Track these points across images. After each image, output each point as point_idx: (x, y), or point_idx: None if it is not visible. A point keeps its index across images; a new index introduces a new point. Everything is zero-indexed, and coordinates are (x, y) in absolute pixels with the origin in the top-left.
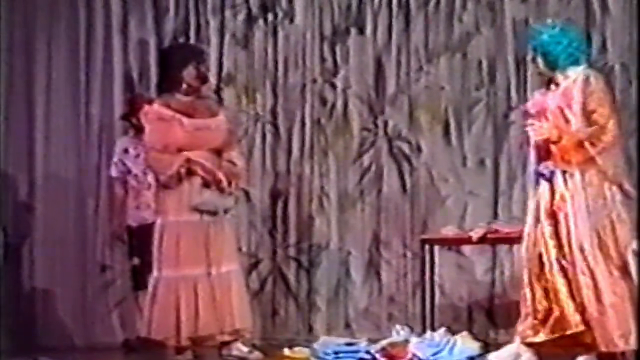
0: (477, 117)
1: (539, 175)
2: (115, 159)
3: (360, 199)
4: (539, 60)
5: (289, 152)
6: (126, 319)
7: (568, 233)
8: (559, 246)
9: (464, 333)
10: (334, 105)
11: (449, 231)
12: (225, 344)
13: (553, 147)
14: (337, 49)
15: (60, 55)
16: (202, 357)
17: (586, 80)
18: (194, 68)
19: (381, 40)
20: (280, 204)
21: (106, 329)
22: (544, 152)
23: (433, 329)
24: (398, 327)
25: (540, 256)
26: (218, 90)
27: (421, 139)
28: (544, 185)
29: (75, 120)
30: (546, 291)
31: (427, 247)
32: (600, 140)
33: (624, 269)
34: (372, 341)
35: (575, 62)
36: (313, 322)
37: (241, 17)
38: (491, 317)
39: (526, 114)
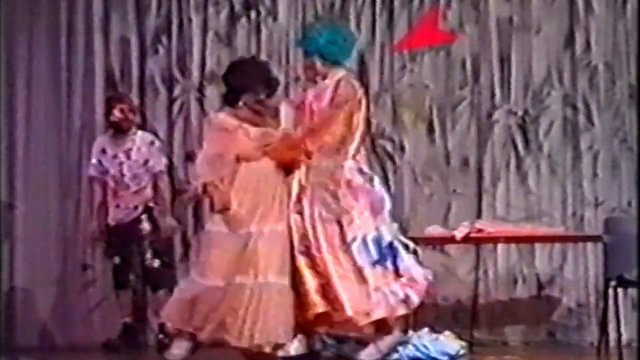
0: (461, 116)
1: None
2: (93, 159)
3: None
4: (317, 61)
5: None
6: (107, 319)
7: (307, 221)
8: (303, 233)
9: (447, 332)
10: None
11: (433, 230)
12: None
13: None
14: None
15: (41, 53)
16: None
17: (337, 83)
18: (259, 95)
19: (365, 38)
20: None
21: (87, 329)
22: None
23: (415, 329)
24: None
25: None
26: (201, 89)
27: (404, 137)
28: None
29: (56, 119)
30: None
31: None
32: (319, 137)
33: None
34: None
35: (349, 56)
36: None
37: (224, 14)
38: (475, 316)
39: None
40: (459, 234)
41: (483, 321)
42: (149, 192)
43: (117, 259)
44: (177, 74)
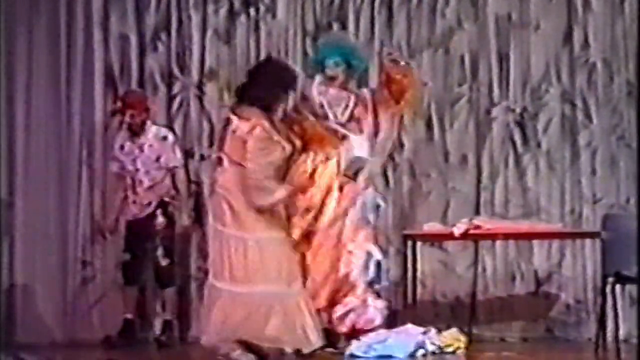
0: (460, 113)
1: None
2: (114, 155)
3: None
4: (340, 72)
5: None
6: (107, 315)
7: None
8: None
9: (454, 329)
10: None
11: (431, 227)
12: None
13: None
14: None
15: (41, 50)
16: None
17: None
18: (289, 97)
19: (363, 36)
20: None
21: (86, 325)
22: None
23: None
24: None
25: None
26: (200, 86)
27: (403, 134)
28: None
29: (56, 116)
30: None
31: (409, 242)
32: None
33: None
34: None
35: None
36: None
37: (223, 12)
38: (473, 312)
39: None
40: (457, 230)
41: (481, 317)
42: (163, 188)
43: (127, 256)
44: (176, 71)
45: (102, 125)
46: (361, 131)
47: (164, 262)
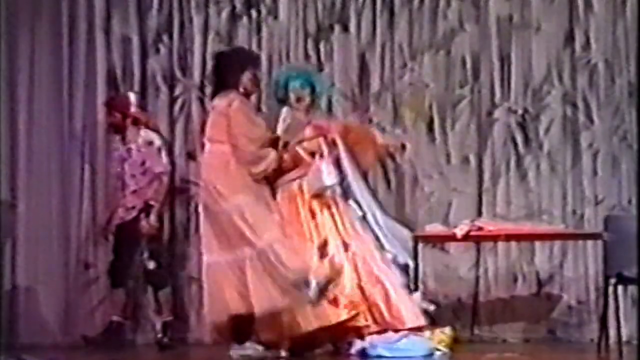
0: (461, 114)
1: None
2: (112, 156)
3: None
4: (307, 95)
5: None
6: (109, 317)
7: None
8: None
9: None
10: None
11: (433, 228)
12: None
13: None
14: (321, 46)
15: (43, 52)
16: None
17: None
18: (252, 73)
19: (365, 38)
20: None
21: (89, 327)
22: None
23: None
24: None
25: None
26: (202, 88)
27: (405, 136)
28: None
29: (58, 118)
30: None
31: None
32: None
33: None
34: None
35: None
36: None
37: (225, 13)
38: (475, 313)
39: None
40: (459, 232)
41: (483, 319)
42: (149, 192)
43: (112, 257)
44: (178, 73)
45: (104, 127)
46: (322, 156)
47: (151, 266)
